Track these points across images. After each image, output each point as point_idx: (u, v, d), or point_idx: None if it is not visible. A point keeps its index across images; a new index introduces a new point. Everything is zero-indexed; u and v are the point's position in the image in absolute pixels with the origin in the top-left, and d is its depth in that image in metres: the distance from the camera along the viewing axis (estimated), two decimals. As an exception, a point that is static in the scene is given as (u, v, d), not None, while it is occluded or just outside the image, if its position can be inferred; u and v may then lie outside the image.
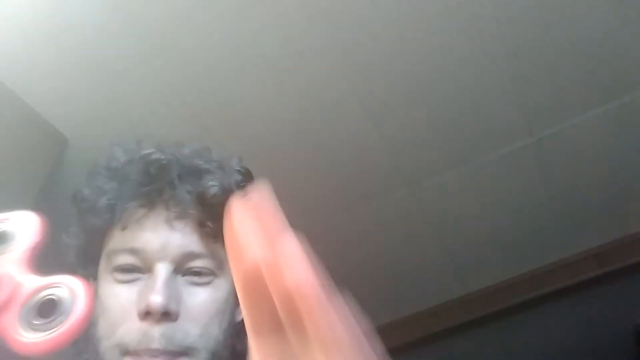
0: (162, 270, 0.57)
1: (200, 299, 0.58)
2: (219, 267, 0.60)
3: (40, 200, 1.48)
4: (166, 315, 0.55)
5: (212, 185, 0.61)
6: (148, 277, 0.58)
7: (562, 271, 2.19)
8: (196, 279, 0.59)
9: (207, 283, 0.59)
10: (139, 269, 0.59)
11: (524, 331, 2.50)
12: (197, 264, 0.59)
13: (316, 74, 1.46)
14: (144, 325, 0.55)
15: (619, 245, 2.13)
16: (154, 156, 0.63)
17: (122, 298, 0.57)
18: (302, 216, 1.87)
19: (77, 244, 0.65)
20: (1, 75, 1.37)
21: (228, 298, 0.60)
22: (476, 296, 2.29)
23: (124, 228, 0.60)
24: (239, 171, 0.65)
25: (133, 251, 0.59)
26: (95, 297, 0.60)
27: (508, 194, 1.89)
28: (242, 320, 0.34)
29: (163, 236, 0.59)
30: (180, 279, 0.59)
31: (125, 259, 0.59)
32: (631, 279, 2.21)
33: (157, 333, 0.55)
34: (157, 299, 0.54)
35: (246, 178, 0.65)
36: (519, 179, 1.84)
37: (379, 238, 2.00)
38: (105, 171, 0.64)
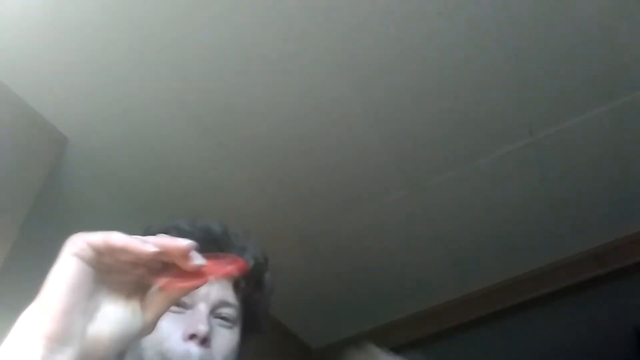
0: (204, 308, 0.74)
1: (225, 337, 0.76)
2: (238, 318, 0.79)
3: (40, 200, 1.48)
4: (205, 341, 0.71)
5: (250, 259, 0.82)
6: (191, 312, 0.75)
7: (562, 271, 2.19)
8: (223, 322, 0.77)
9: (230, 327, 0.78)
10: (185, 305, 0.75)
11: (524, 331, 2.51)
12: (227, 311, 0.77)
13: (316, 74, 1.46)
14: (187, 345, 0.71)
15: (618, 245, 2.13)
16: (216, 228, 0.83)
17: (170, 322, 0.73)
18: (303, 216, 1.87)
19: None
20: (1, 75, 1.37)
21: (239, 343, 0.79)
22: (476, 296, 2.29)
23: None
24: (262, 252, 0.87)
25: None
26: None
27: (508, 194, 1.89)
28: None
29: (209, 285, 0.76)
30: (212, 320, 0.76)
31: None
32: (631, 279, 2.21)
33: (196, 355, 0.71)
34: (203, 327, 0.71)
35: (267, 259, 0.87)
36: (519, 179, 1.84)
37: (380, 238, 2.00)
38: (175, 231, 0.81)
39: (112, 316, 0.49)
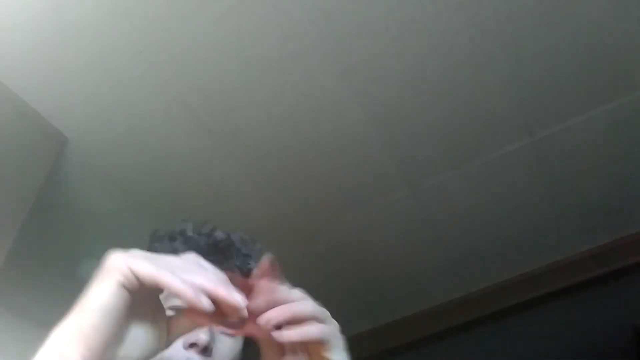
0: None
1: (227, 345, 0.76)
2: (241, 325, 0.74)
3: (40, 200, 1.48)
4: (206, 350, 0.71)
5: (254, 267, 0.81)
6: None
7: (562, 271, 2.19)
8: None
9: (232, 335, 0.77)
10: None
11: (524, 331, 2.51)
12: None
13: (316, 74, 1.46)
14: (188, 354, 0.71)
15: (618, 245, 2.13)
16: (220, 235, 0.83)
17: None
18: (302, 216, 1.87)
19: None
20: (1, 74, 1.37)
21: (239, 351, 0.79)
22: (476, 296, 2.29)
23: None
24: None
25: None
26: None
27: (508, 193, 1.89)
28: None
29: None
30: (214, 328, 0.75)
31: (179, 303, 0.77)
32: (630, 279, 2.21)
33: None
34: (204, 336, 0.71)
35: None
36: (519, 179, 1.84)
37: (379, 238, 2.00)
38: (180, 237, 0.83)
39: (140, 340, 0.49)
